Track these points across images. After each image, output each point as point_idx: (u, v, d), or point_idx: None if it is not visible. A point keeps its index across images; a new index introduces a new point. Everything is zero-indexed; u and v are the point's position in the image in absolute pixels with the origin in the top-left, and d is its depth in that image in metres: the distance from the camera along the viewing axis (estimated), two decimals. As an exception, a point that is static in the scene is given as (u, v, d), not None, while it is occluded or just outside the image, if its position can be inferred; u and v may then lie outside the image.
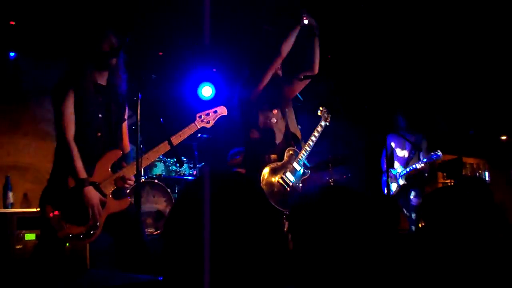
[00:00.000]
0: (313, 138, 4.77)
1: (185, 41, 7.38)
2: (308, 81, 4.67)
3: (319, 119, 4.94)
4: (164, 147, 3.71)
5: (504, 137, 10.60)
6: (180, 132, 3.86)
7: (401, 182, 6.88)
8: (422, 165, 6.70)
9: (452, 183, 8.38)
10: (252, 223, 1.44)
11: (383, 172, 6.94)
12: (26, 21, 6.30)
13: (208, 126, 4.04)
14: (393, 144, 7.09)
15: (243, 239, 1.40)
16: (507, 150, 10.52)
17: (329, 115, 4.98)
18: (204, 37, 6.11)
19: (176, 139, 3.80)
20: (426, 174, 6.87)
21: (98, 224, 3.48)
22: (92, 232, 3.47)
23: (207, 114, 4.05)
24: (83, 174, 3.41)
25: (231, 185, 1.46)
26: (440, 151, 6.63)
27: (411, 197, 6.83)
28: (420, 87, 8.31)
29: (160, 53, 7.74)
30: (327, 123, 4.96)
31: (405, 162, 6.92)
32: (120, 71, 3.72)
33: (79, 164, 3.40)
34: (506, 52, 7.55)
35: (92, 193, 3.39)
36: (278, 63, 4.46)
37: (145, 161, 3.69)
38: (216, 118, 4.10)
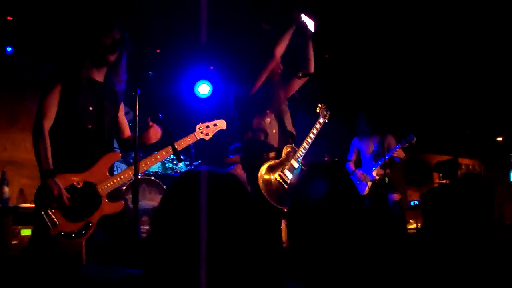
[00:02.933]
0: (312, 136, 4.76)
1: (183, 39, 7.38)
2: (305, 80, 4.67)
3: (315, 117, 4.92)
4: (162, 154, 3.73)
5: (499, 138, 10.65)
6: (180, 141, 3.87)
7: (375, 174, 6.77)
8: (397, 150, 6.56)
9: (447, 183, 8.37)
10: (236, 221, 1.46)
11: (352, 173, 6.93)
12: (24, 17, 6.28)
13: (207, 138, 4.07)
14: (357, 150, 7.06)
15: (228, 236, 1.42)
16: (503, 151, 10.56)
17: (328, 112, 4.97)
18: (202, 35, 6.11)
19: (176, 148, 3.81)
20: (399, 161, 6.76)
21: (90, 224, 3.47)
22: (84, 232, 3.45)
23: (207, 127, 4.07)
24: (47, 165, 3.37)
25: (217, 184, 1.48)
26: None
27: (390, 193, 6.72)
28: (404, 87, 8.35)
29: (158, 50, 7.75)
30: (326, 120, 4.94)
31: (373, 156, 6.83)
32: (120, 70, 3.71)
33: (44, 154, 3.37)
34: (501, 54, 7.58)
35: (54, 185, 3.37)
36: (272, 65, 4.45)
37: (143, 166, 3.71)
38: (215, 132, 4.12)
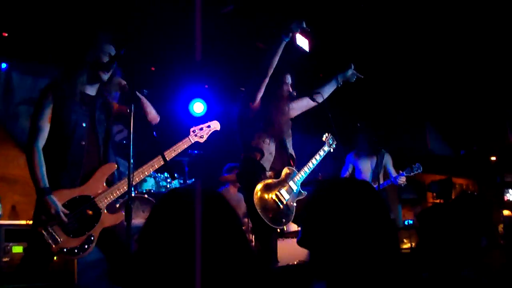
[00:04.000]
0: (314, 161, 4.79)
1: (178, 57, 7.40)
2: (312, 105, 4.73)
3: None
4: (158, 161, 3.70)
5: (493, 158, 10.68)
6: (175, 147, 3.85)
7: None
8: (403, 178, 6.57)
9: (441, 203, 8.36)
10: (220, 240, 1.47)
11: None
12: (19, 33, 6.29)
13: (202, 140, 4.05)
14: (352, 166, 7.03)
15: (212, 255, 1.43)
16: (496, 170, 10.59)
17: (334, 142, 4.99)
18: (196, 53, 6.12)
19: (170, 154, 3.80)
20: (397, 184, 6.66)
21: (92, 238, 3.46)
22: (86, 246, 3.44)
23: (201, 129, 4.06)
24: (43, 183, 3.36)
25: (203, 203, 1.49)
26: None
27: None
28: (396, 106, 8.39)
29: (153, 68, 7.76)
30: (331, 150, 4.97)
31: (374, 176, 6.74)
32: (112, 88, 3.71)
33: (40, 172, 3.36)
34: (494, 74, 7.64)
35: (51, 202, 3.35)
36: (265, 83, 4.46)
37: (141, 175, 3.69)
38: (210, 133, 4.11)
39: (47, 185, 3.36)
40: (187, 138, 3.96)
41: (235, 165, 6.74)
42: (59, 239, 3.36)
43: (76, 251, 3.42)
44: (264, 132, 4.46)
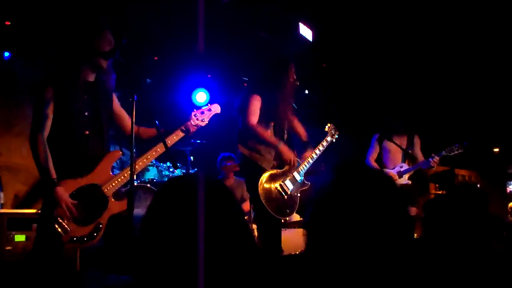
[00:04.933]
0: (317, 152, 4.79)
1: (181, 46, 7.37)
2: None
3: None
4: (162, 147, 3.71)
5: (496, 149, 10.66)
6: (177, 131, 3.85)
7: (404, 180, 6.26)
8: (436, 158, 6.07)
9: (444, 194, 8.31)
10: (221, 228, 1.47)
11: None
12: (22, 22, 6.28)
13: (203, 124, 4.03)
14: (378, 147, 6.51)
15: (215, 243, 1.43)
16: (500, 162, 10.57)
17: (337, 132, 4.97)
18: (199, 43, 6.10)
19: (172, 139, 3.80)
20: (425, 168, 6.25)
21: (101, 226, 3.48)
22: (95, 234, 3.47)
23: (202, 113, 4.04)
24: (50, 174, 3.36)
25: (204, 191, 1.48)
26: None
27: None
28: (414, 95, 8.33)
29: (156, 58, 7.74)
30: (334, 140, 4.96)
31: (408, 158, 6.34)
32: (108, 70, 3.70)
33: (48, 164, 3.37)
34: (498, 65, 7.60)
35: (62, 193, 3.36)
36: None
37: (145, 160, 3.71)
38: (211, 116, 4.09)
39: (55, 176, 3.38)
40: (189, 122, 3.95)
41: (229, 155, 6.76)
42: (68, 229, 3.39)
43: (85, 239, 3.45)
44: (267, 121, 4.45)
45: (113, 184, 3.58)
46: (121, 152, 3.75)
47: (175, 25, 6.72)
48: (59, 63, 3.63)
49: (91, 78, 3.66)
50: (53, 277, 3.34)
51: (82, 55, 3.55)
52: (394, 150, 6.39)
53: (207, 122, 4.05)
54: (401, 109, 6.67)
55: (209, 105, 4.13)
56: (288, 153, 4.40)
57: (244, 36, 7.13)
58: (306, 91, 4.59)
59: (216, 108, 4.16)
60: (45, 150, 3.39)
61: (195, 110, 4.03)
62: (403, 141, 6.41)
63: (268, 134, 4.46)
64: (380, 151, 6.51)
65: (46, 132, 3.44)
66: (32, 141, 3.41)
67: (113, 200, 3.58)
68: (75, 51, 3.57)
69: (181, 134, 3.87)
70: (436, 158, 6.07)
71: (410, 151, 6.33)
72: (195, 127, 3.95)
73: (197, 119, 3.99)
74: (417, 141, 6.48)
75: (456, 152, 6.12)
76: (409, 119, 6.48)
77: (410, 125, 6.37)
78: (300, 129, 4.75)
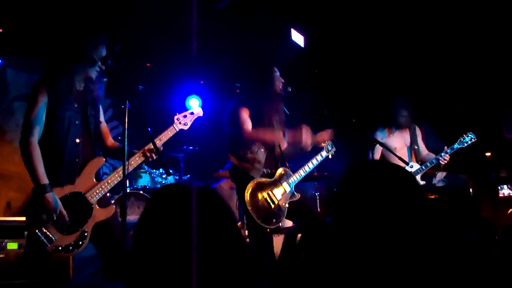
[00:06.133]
0: (310, 165, 4.75)
1: (173, 53, 7.39)
2: None
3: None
4: (149, 147, 3.72)
5: (488, 154, 10.68)
6: (161, 135, 3.85)
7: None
8: (447, 157, 5.68)
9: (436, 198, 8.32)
10: (214, 236, 1.47)
11: None
12: (14, 29, 6.27)
13: (186, 128, 4.04)
14: (378, 147, 5.86)
15: (207, 248, 1.43)
16: (491, 166, 10.60)
17: (333, 149, 4.91)
18: (192, 50, 6.12)
19: (156, 142, 3.78)
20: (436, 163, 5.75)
21: (86, 234, 3.46)
22: (80, 242, 3.45)
23: (184, 116, 4.04)
24: (44, 179, 3.34)
25: (196, 199, 1.49)
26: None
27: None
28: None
29: (148, 64, 7.75)
30: (330, 156, 4.90)
31: (410, 156, 6.04)
32: (96, 79, 3.70)
33: (40, 169, 3.34)
34: (492, 67, 7.64)
35: (52, 199, 3.33)
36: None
37: (132, 162, 3.69)
38: (193, 119, 4.09)
39: (48, 181, 3.35)
40: (172, 127, 3.95)
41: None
42: (53, 238, 3.36)
43: (71, 248, 3.43)
44: (254, 129, 4.45)
45: (97, 191, 3.56)
46: (104, 159, 3.72)
47: (167, 32, 6.73)
48: (52, 70, 3.61)
49: (80, 87, 3.65)
50: (43, 285, 3.32)
51: (74, 62, 3.54)
52: (399, 148, 6.05)
53: (189, 126, 4.05)
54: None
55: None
56: (303, 135, 4.40)
57: (236, 42, 7.15)
58: (289, 89, 4.54)
59: (198, 111, 4.16)
60: (37, 154, 3.36)
61: (177, 114, 4.03)
62: (406, 136, 6.18)
63: (269, 132, 4.46)
64: (381, 150, 6.11)
65: (37, 137, 3.41)
66: (23, 145, 3.37)
67: (97, 207, 3.55)
68: (68, 58, 3.56)
69: (164, 139, 3.88)
70: (447, 156, 5.70)
71: (416, 147, 6.08)
72: (175, 131, 3.97)
73: (180, 123, 4.00)
74: (419, 133, 6.23)
75: (470, 143, 5.74)
76: (414, 112, 6.22)
77: (415, 117, 6.10)
78: (299, 135, 4.72)
